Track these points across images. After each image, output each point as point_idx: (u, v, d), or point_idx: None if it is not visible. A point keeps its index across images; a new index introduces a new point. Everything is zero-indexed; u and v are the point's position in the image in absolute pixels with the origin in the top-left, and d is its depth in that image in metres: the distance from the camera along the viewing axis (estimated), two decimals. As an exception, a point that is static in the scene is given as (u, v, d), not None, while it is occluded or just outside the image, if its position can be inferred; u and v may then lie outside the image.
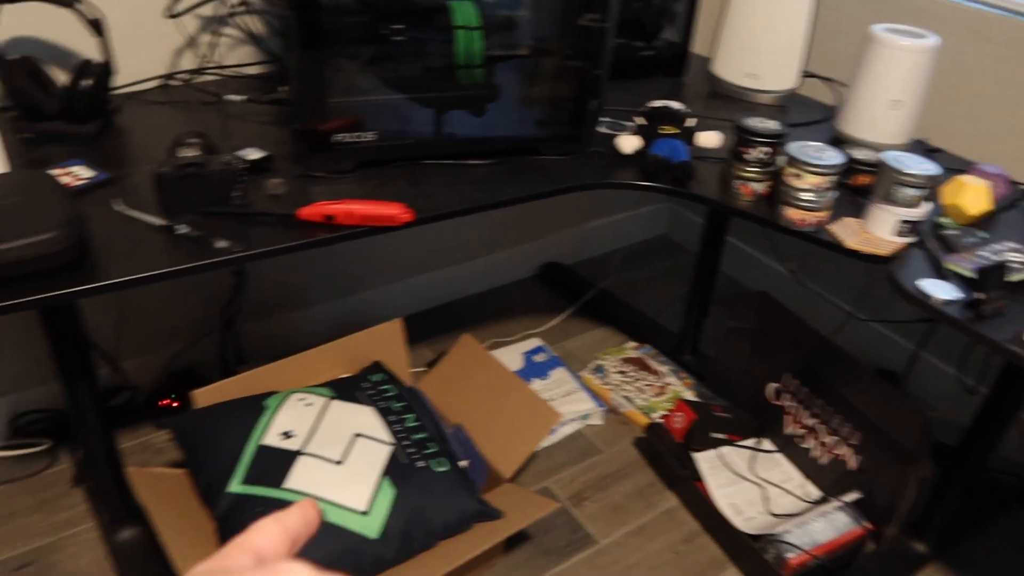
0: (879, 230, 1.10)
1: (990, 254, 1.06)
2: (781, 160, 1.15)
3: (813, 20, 1.44)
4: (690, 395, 1.78)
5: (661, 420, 1.67)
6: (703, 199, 1.21)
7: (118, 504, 1.36)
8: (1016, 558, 1.51)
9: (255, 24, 1.43)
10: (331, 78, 1.12)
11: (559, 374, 1.81)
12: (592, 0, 1.17)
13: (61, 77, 1.25)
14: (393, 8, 1.10)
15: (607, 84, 1.25)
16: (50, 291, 0.89)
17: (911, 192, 1.06)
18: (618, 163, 1.28)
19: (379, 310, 1.95)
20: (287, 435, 1.23)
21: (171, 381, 1.68)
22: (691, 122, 1.28)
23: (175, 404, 1.64)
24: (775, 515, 1.46)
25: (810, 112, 1.52)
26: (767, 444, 1.61)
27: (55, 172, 1.08)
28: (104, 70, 1.16)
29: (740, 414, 1.62)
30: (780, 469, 1.56)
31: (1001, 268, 0.95)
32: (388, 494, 1.19)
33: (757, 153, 1.15)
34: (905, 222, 1.09)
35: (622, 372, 1.83)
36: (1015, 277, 1.01)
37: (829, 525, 1.40)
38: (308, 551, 1.11)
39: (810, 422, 1.52)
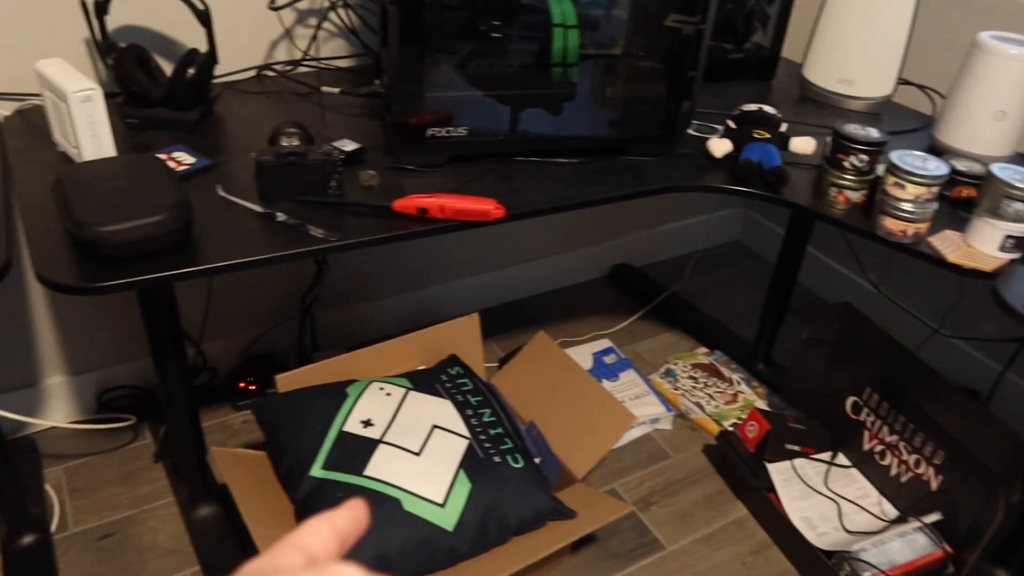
0: (983, 244, 1.07)
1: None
2: (880, 169, 1.12)
3: (913, 26, 1.40)
4: (762, 404, 1.75)
5: (733, 428, 1.64)
6: (795, 206, 1.18)
7: (198, 482, 1.40)
8: (1106, 592, 1.45)
9: (350, 18, 1.45)
10: (427, 73, 1.13)
11: (629, 376, 1.80)
12: (690, 1, 1.16)
13: (163, 65, 1.29)
14: (493, 5, 1.10)
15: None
16: (155, 272, 0.92)
17: (1020, 207, 1.02)
18: (707, 166, 1.26)
19: (448, 305, 1.96)
20: (367, 423, 1.25)
21: (248, 364, 1.73)
22: (783, 127, 1.25)
23: (252, 387, 1.68)
24: (850, 532, 1.43)
25: (905, 120, 1.48)
26: (843, 459, 1.57)
27: (160, 157, 1.12)
28: (208, 60, 1.20)
29: (815, 426, 1.58)
30: (856, 485, 1.52)
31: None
32: (464, 487, 1.20)
33: (855, 160, 1.12)
34: (1011, 237, 1.05)
35: (693, 378, 1.80)
36: None
37: (907, 546, 1.36)
38: (386, 540, 1.12)
39: (890, 439, 1.48)
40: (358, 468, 1.18)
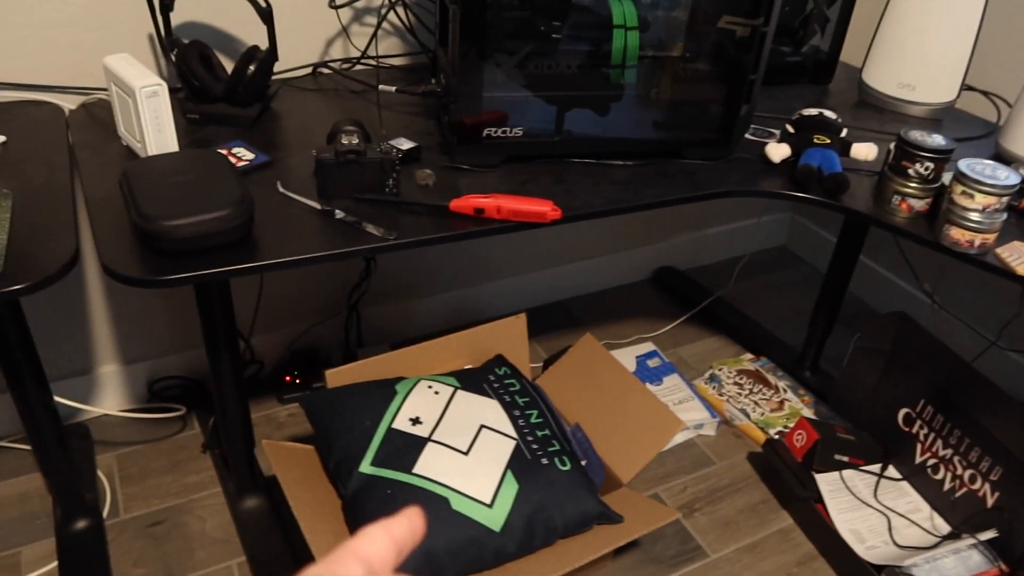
0: (1053, 257, 1.03)
1: None
2: (947, 177, 1.10)
3: (980, 30, 1.37)
4: (809, 413, 1.73)
5: (779, 436, 1.62)
6: (856, 213, 1.16)
7: (246, 474, 1.41)
8: None
9: (407, 17, 1.45)
10: (486, 73, 1.13)
11: (672, 381, 1.78)
12: (752, 3, 1.14)
13: (223, 62, 1.31)
14: (553, 5, 1.10)
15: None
16: (217, 266, 0.93)
17: (1095, 218, 0.99)
18: (765, 171, 1.24)
19: (490, 304, 1.96)
20: (416, 421, 1.25)
21: (293, 359, 1.74)
22: (844, 132, 1.23)
23: (298, 380, 1.70)
24: (900, 546, 1.40)
25: (968, 127, 1.44)
26: (893, 471, 1.54)
27: (221, 152, 1.13)
28: (269, 57, 1.21)
29: (865, 437, 1.55)
30: (907, 499, 1.49)
31: None
32: (511, 488, 1.19)
33: (920, 168, 1.10)
34: (1084, 250, 1.02)
35: (738, 384, 1.78)
36: None
37: (960, 563, 1.33)
38: (434, 538, 1.13)
39: (944, 452, 1.44)
40: (407, 466, 1.18)
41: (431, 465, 1.19)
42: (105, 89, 1.29)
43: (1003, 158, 1.31)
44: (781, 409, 1.73)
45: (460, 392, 1.33)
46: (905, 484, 1.52)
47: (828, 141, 1.21)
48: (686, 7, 1.17)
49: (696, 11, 1.17)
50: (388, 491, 1.15)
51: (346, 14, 1.43)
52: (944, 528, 1.43)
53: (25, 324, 1.14)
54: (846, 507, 1.46)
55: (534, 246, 1.94)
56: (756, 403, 1.74)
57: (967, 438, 1.40)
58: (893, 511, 1.46)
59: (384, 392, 1.29)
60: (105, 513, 1.42)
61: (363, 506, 1.17)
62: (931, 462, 1.47)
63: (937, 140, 1.10)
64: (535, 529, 1.18)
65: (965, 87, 1.44)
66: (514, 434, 1.27)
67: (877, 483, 1.51)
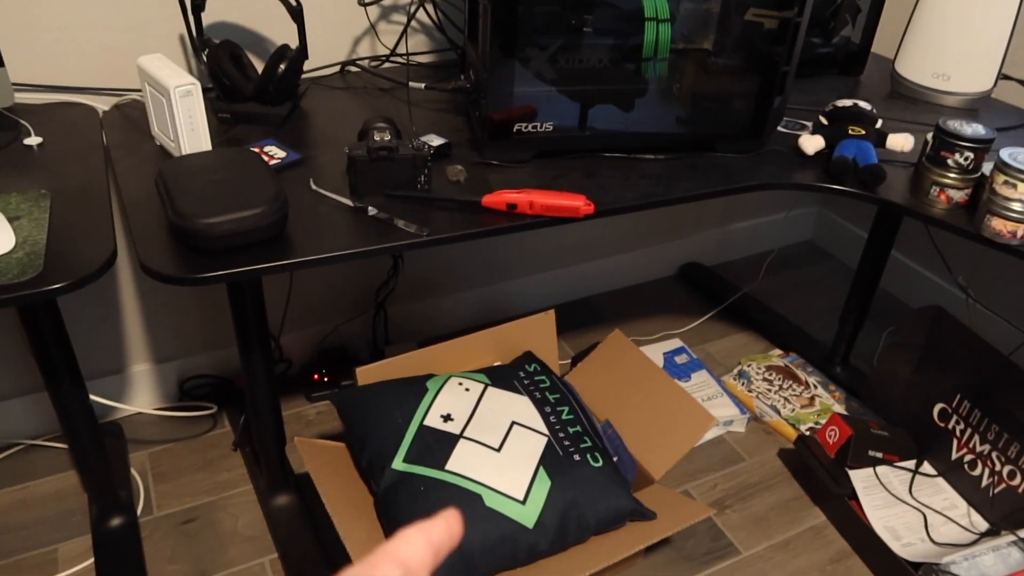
0: (1098, 247, 1.01)
1: None
2: (987, 167, 1.08)
3: (1017, 18, 1.34)
4: (840, 409, 1.71)
5: (811, 433, 1.60)
6: (893, 205, 1.14)
7: (277, 471, 1.42)
8: None
9: (436, 14, 1.45)
10: (517, 68, 1.12)
11: (701, 377, 1.77)
12: (785, -7, 1.13)
13: (253, 61, 1.31)
14: (584, -1, 1.09)
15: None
16: (252, 264, 0.93)
17: None
18: (798, 163, 1.23)
19: (516, 301, 1.96)
20: (447, 418, 1.25)
21: (321, 357, 1.75)
22: (879, 123, 1.21)
23: (326, 379, 1.71)
24: (937, 544, 1.38)
25: (1005, 117, 1.42)
26: (928, 467, 1.51)
27: (254, 151, 1.13)
28: (299, 55, 1.21)
29: (899, 433, 1.53)
30: (943, 495, 1.47)
31: None
32: (544, 485, 1.19)
33: (959, 158, 1.08)
34: None
35: (767, 380, 1.77)
36: None
37: (1000, 560, 1.30)
38: (468, 535, 1.12)
39: (981, 448, 1.42)
40: (440, 462, 1.18)
41: (463, 462, 1.18)
42: (138, 90, 1.30)
43: (1042, 148, 1.28)
44: (812, 405, 1.71)
45: (491, 389, 1.32)
46: (941, 480, 1.50)
47: (863, 132, 1.20)
48: (717, -1, 1.16)
49: (728, 2, 1.16)
50: (421, 488, 1.15)
51: (374, 12, 1.44)
52: (982, 525, 1.41)
53: (62, 323, 1.15)
54: (881, 504, 1.44)
55: (559, 243, 1.93)
56: (786, 399, 1.72)
57: (1005, 433, 1.37)
58: (929, 508, 1.44)
59: (415, 389, 1.29)
60: (139, 510, 1.43)
61: (396, 503, 1.17)
62: (968, 458, 1.45)
63: (977, 129, 1.08)
64: (568, 526, 1.18)
65: (1002, 76, 1.42)
66: (545, 431, 1.27)
67: (912, 479, 1.49)
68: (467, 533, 1.13)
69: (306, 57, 1.22)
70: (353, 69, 1.45)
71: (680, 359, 1.82)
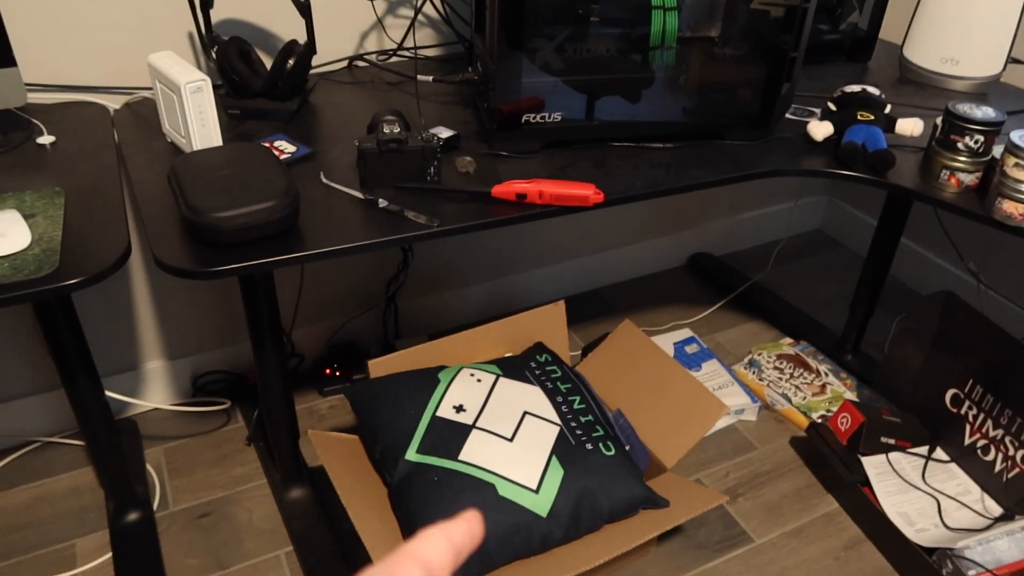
0: (1110, 229, 1.01)
1: None
2: (997, 150, 1.08)
3: (1025, 1, 1.34)
4: (852, 396, 1.71)
5: (822, 420, 1.60)
6: (903, 189, 1.14)
7: (290, 465, 1.43)
8: None
9: (443, 7, 1.46)
10: (525, 59, 1.12)
11: (711, 366, 1.77)
12: (792, -21, 1.13)
13: (262, 57, 1.32)
14: (591, -12, 1.09)
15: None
16: (264, 257, 0.94)
17: None
18: (807, 150, 1.23)
19: (526, 293, 1.96)
20: (460, 409, 1.26)
21: (332, 352, 1.76)
22: (888, 108, 1.21)
23: (338, 373, 1.71)
24: (951, 529, 1.38)
25: (1014, 101, 1.41)
26: (941, 453, 1.51)
27: (265, 145, 1.14)
28: (307, 51, 1.22)
29: (911, 419, 1.53)
30: (956, 481, 1.47)
31: None
32: (557, 474, 1.19)
33: (970, 141, 1.08)
34: None
35: (778, 368, 1.77)
36: None
37: (1015, 545, 1.30)
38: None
39: (995, 433, 1.42)
40: (453, 453, 1.19)
41: (477, 452, 1.19)
42: (149, 88, 1.31)
43: (1052, 131, 1.28)
44: (823, 393, 1.71)
45: (502, 379, 1.33)
46: (954, 466, 1.49)
47: (872, 118, 1.20)
48: (724, -14, 1.15)
49: (734, -10, 1.16)
50: (434, 478, 1.16)
51: (381, 6, 1.44)
52: (996, 510, 1.41)
53: (77, 320, 1.16)
54: (894, 490, 1.44)
55: (569, 235, 1.94)
56: (797, 387, 1.72)
57: (1018, 418, 1.37)
58: (942, 493, 1.44)
59: (427, 381, 1.30)
60: (155, 505, 1.45)
61: (410, 493, 1.17)
62: (981, 443, 1.45)
63: (987, 112, 1.08)
64: (581, 514, 1.18)
65: (1011, 60, 1.41)
66: (557, 420, 1.27)
67: (925, 465, 1.49)
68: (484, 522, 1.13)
69: (314, 52, 1.23)
70: (361, 64, 1.46)
71: (691, 349, 1.82)
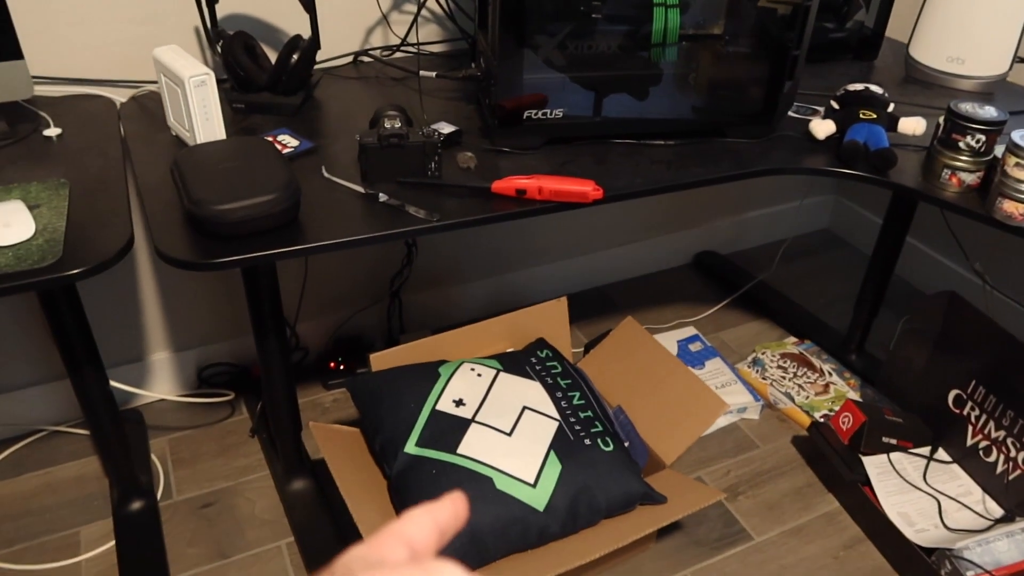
0: (1112, 229, 1.01)
1: None
2: (999, 149, 1.07)
3: (1032, 0, 1.33)
4: (855, 396, 1.70)
5: (824, 420, 1.60)
6: (904, 188, 1.14)
7: (293, 457, 1.44)
8: None
9: (446, 3, 1.46)
10: (526, 55, 1.13)
11: (715, 365, 1.77)
12: (795, -23, 1.13)
13: (267, 52, 1.33)
14: (593, -16, 1.10)
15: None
16: (266, 249, 0.95)
17: None
18: (809, 148, 1.23)
19: (530, 290, 1.97)
20: (459, 403, 1.26)
21: (337, 345, 1.77)
22: (891, 107, 1.21)
23: (342, 367, 1.73)
24: (951, 529, 1.37)
25: (1021, 100, 1.40)
26: (943, 454, 1.51)
27: (267, 139, 1.15)
28: (312, 45, 1.22)
29: (913, 419, 1.53)
30: (957, 482, 1.46)
31: None
32: (555, 468, 1.20)
33: (971, 141, 1.07)
34: None
35: (782, 367, 1.76)
36: None
37: (1015, 547, 1.30)
38: (479, 517, 1.14)
39: (997, 434, 1.41)
40: (451, 446, 1.20)
41: (475, 445, 1.20)
42: (154, 82, 1.32)
43: (1058, 131, 1.27)
44: (826, 392, 1.71)
45: (502, 374, 1.33)
46: (955, 467, 1.49)
47: (874, 116, 1.19)
48: (727, -16, 1.15)
49: (737, -13, 1.16)
50: (433, 471, 1.17)
51: (386, 2, 1.45)
52: (997, 511, 1.41)
53: (81, 309, 1.17)
54: (894, 490, 1.44)
55: (573, 232, 1.94)
56: (800, 386, 1.72)
57: (1021, 419, 1.37)
58: (943, 494, 1.44)
59: (428, 374, 1.31)
60: (159, 495, 1.46)
61: (408, 485, 1.18)
62: (983, 444, 1.44)
63: (989, 112, 1.08)
64: (578, 509, 1.19)
65: (1017, 59, 1.40)
66: (556, 415, 1.28)
67: (926, 466, 1.48)
68: (478, 515, 1.14)
69: (318, 47, 1.24)
70: (365, 59, 1.46)
71: (694, 347, 1.82)
